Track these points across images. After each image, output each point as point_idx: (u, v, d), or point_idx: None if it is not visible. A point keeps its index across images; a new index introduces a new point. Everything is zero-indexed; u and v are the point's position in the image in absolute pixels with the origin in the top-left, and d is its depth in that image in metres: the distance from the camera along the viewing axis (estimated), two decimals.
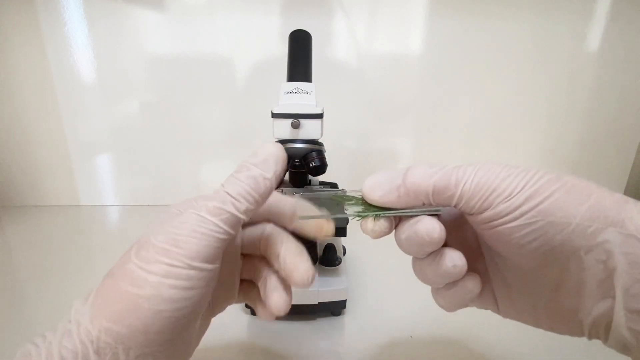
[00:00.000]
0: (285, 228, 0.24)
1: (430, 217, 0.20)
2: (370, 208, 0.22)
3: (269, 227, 0.24)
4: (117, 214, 0.70)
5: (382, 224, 0.21)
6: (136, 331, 0.17)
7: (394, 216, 0.22)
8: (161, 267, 0.17)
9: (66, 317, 0.18)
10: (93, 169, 0.71)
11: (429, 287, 0.46)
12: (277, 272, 0.23)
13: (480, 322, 0.39)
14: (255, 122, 0.68)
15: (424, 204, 0.21)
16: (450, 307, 0.24)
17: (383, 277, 0.47)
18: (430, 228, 0.19)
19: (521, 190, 0.18)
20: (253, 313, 0.39)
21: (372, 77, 0.67)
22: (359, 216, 0.22)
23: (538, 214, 0.17)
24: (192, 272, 0.18)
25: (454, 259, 0.20)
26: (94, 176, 0.71)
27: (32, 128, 0.67)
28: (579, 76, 0.68)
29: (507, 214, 0.18)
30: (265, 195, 0.20)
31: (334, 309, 0.39)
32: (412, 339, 0.36)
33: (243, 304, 0.39)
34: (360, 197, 0.23)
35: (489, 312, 0.39)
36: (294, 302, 0.36)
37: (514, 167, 0.19)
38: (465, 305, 0.24)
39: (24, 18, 0.61)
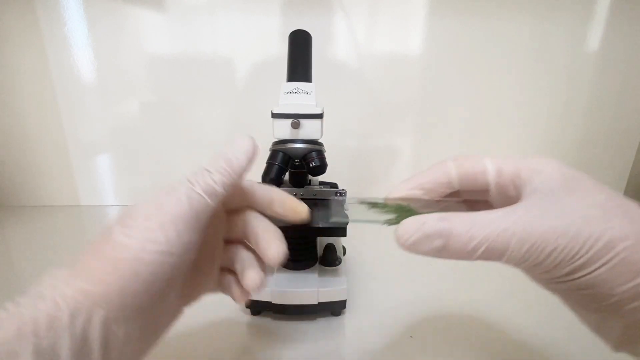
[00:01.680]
0: (263, 214, 0.26)
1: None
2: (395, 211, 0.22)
3: (249, 212, 0.25)
4: (117, 214, 0.70)
5: None
6: (112, 293, 0.17)
7: None
8: (142, 232, 0.18)
9: (38, 282, 0.18)
10: (93, 169, 0.71)
11: (429, 287, 0.46)
12: (254, 253, 0.25)
13: (480, 322, 0.39)
14: (255, 122, 0.67)
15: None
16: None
17: (383, 277, 0.47)
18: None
19: (570, 259, 0.17)
20: (253, 313, 0.39)
21: (372, 77, 0.67)
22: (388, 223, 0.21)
23: (576, 283, 0.17)
24: (171, 235, 0.19)
25: None
26: (94, 176, 0.71)
27: (32, 128, 0.67)
28: (579, 76, 0.68)
29: (545, 272, 0.18)
30: (239, 173, 0.22)
31: (334, 309, 0.39)
32: (412, 339, 0.36)
33: (243, 305, 0.39)
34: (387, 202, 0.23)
35: (489, 313, 0.40)
36: (294, 302, 0.37)
37: (569, 231, 0.17)
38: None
39: (24, 18, 0.61)
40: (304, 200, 0.44)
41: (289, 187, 0.44)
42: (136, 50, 0.64)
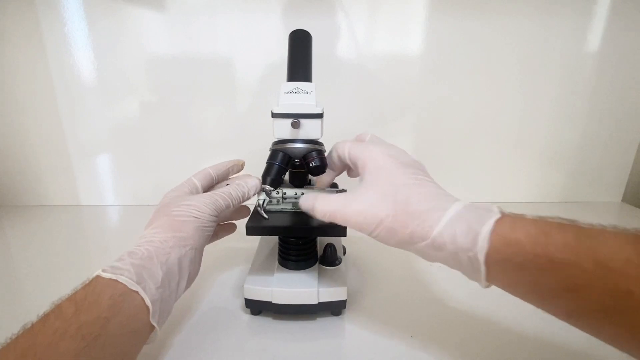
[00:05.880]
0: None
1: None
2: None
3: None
4: (117, 214, 0.70)
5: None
6: (187, 236, 0.33)
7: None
8: (199, 213, 0.34)
9: (143, 236, 0.32)
10: (93, 169, 0.71)
11: (429, 288, 0.46)
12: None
13: (480, 323, 0.39)
14: (255, 122, 0.68)
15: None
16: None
17: (383, 277, 0.47)
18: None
19: (366, 228, 0.29)
20: (253, 313, 0.39)
21: (372, 77, 0.67)
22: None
23: (374, 237, 0.30)
24: (212, 218, 0.35)
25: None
26: (94, 176, 0.71)
27: (32, 128, 0.67)
28: (579, 76, 0.68)
29: (360, 231, 0.31)
30: (245, 200, 0.39)
31: (334, 309, 0.39)
32: (412, 339, 0.36)
33: (243, 305, 0.39)
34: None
35: (489, 314, 0.40)
36: (294, 302, 0.37)
37: (362, 212, 0.29)
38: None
39: (24, 18, 0.61)
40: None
41: (289, 186, 0.44)
42: (136, 50, 0.64)
